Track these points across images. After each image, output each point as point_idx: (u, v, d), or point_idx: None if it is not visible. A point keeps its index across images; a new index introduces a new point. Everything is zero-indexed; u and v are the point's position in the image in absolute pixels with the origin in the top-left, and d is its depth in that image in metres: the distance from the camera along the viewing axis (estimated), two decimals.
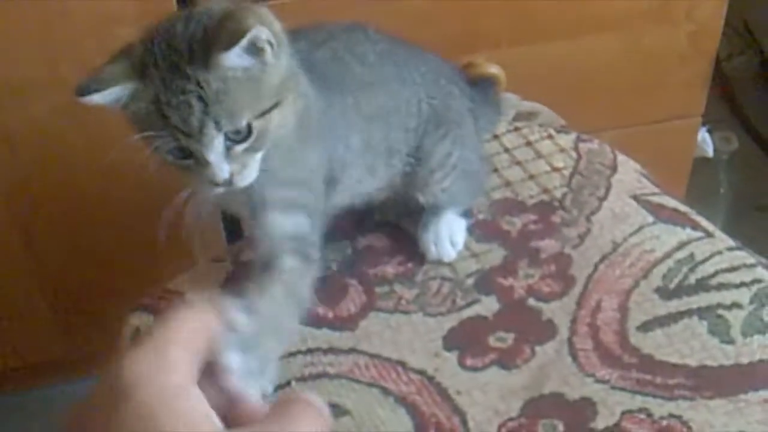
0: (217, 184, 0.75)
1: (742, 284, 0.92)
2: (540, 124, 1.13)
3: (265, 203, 0.82)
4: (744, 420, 0.82)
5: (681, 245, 0.96)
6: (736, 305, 0.90)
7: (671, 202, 1.01)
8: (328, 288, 0.91)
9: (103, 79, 0.73)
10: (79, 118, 1.15)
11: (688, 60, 1.44)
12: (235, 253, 0.99)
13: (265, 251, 0.83)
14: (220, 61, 0.71)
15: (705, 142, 1.67)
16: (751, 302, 0.90)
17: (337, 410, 0.85)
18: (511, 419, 0.84)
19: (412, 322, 0.92)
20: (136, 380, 0.46)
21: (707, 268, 0.94)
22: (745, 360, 0.86)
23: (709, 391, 0.84)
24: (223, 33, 0.71)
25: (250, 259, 0.95)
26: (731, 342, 0.87)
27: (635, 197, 1.01)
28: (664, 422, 0.82)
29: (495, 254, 0.97)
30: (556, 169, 1.05)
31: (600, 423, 0.83)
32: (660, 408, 0.83)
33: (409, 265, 0.97)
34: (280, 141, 0.78)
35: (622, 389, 0.85)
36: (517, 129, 1.11)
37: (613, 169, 1.05)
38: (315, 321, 0.91)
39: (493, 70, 1.11)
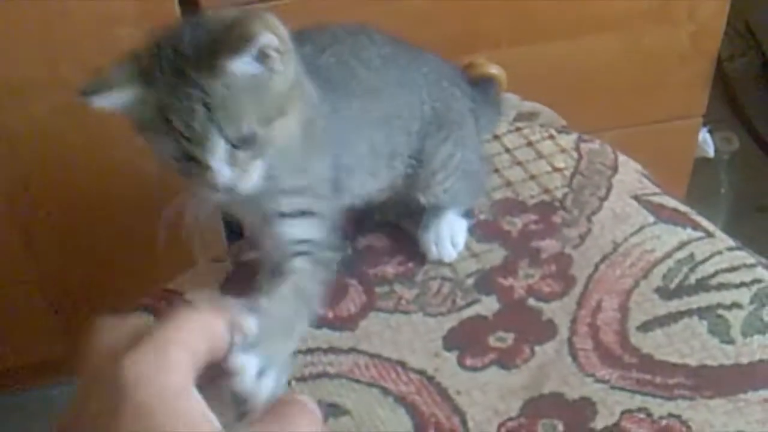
0: (218, 189, 0.75)
1: (742, 284, 0.92)
2: (541, 124, 1.12)
3: (274, 212, 0.82)
4: (744, 420, 0.82)
5: (681, 245, 0.96)
6: (736, 305, 0.90)
7: (672, 202, 1.01)
8: (328, 288, 0.90)
9: (108, 81, 0.73)
10: (79, 117, 1.15)
11: (690, 60, 1.44)
12: (235, 253, 0.99)
13: (275, 255, 0.84)
14: (226, 67, 0.71)
15: (706, 142, 1.67)
16: (751, 302, 0.90)
17: (337, 410, 0.85)
18: (510, 419, 0.84)
19: (412, 322, 0.92)
20: (136, 380, 0.46)
21: (707, 268, 0.94)
22: (745, 360, 0.86)
23: (708, 390, 0.84)
24: (231, 39, 0.71)
25: (250, 259, 0.95)
26: (731, 342, 0.87)
27: (636, 197, 1.01)
28: (664, 422, 0.82)
29: (495, 254, 0.97)
30: (557, 170, 1.05)
31: (599, 423, 0.83)
32: (660, 408, 0.83)
33: (409, 265, 0.97)
34: (287, 150, 0.78)
35: (622, 389, 0.85)
36: (518, 129, 1.11)
37: (614, 169, 1.05)
38: (315, 321, 0.91)
39: (494, 70, 1.12)
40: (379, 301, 0.94)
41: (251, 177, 0.76)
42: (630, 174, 1.05)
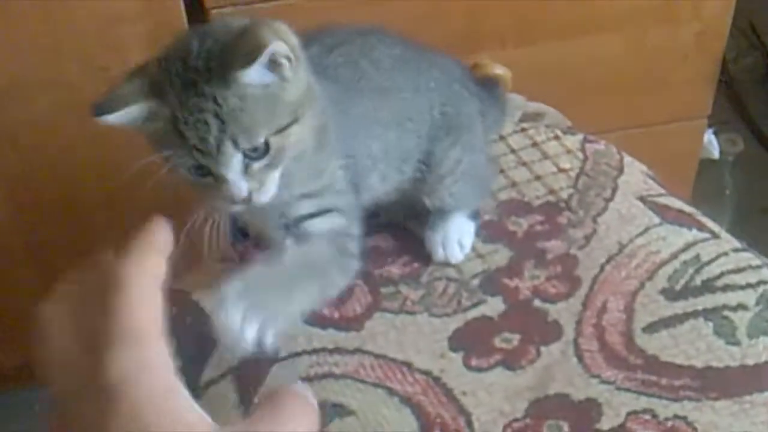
0: (235, 202, 0.75)
1: (748, 285, 0.92)
2: (546, 125, 1.12)
3: (294, 216, 0.83)
4: (749, 421, 0.82)
5: (687, 246, 0.96)
6: (741, 306, 0.90)
7: (677, 204, 1.01)
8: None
9: (119, 98, 0.72)
10: (82, 115, 1.15)
11: (694, 60, 1.44)
12: (240, 253, 0.99)
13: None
14: (239, 78, 0.71)
15: (711, 143, 1.67)
16: (757, 303, 0.90)
17: (343, 410, 0.85)
18: (516, 420, 0.84)
19: (418, 322, 0.92)
20: (122, 381, 0.45)
21: (713, 270, 0.93)
22: (750, 361, 0.86)
23: (714, 392, 0.84)
24: (242, 49, 0.71)
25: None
26: (737, 343, 0.87)
27: (641, 198, 1.01)
28: (670, 423, 0.82)
29: (501, 255, 0.97)
30: (562, 170, 1.05)
31: (605, 424, 0.82)
32: (665, 409, 0.83)
33: (415, 265, 0.97)
34: (301, 156, 0.78)
35: (628, 390, 0.85)
36: (523, 130, 1.10)
37: (620, 170, 1.05)
38: (320, 321, 0.91)
39: (499, 70, 1.11)
40: (384, 301, 0.94)
41: (268, 188, 0.75)
42: (635, 175, 1.05)
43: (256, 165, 0.74)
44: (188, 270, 0.97)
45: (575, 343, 0.89)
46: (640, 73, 1.44)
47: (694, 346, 0.87)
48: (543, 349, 0.89)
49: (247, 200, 0.75)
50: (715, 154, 1.68)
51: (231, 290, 0.73)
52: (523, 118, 1.14)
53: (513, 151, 1.08)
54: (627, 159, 1.07)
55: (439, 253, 0.96)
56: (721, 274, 0.93)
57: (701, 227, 0.98)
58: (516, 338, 0.90)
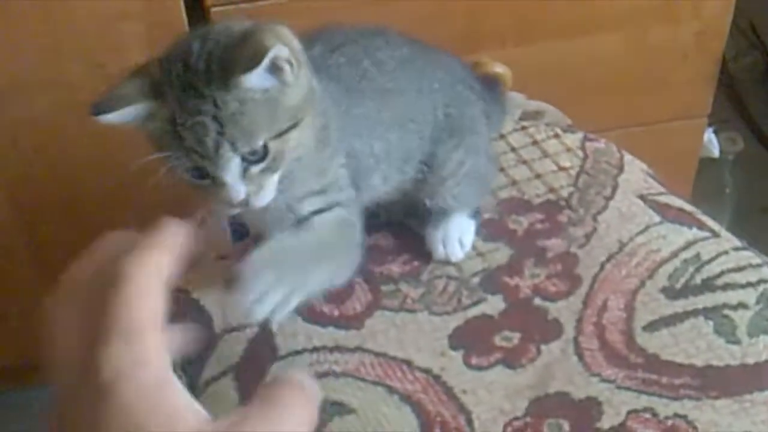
0: (233, 205, 0.75)
1: (749, 284, 0.92)
2: (546, 123, 1.12)
3: (296, 215, 0.82)
4: (749, 420, 0.82)
5: (687, 245, 0.96)
6: (742, 305, 0.90)
7: (678, 202, 1.01)
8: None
9: (119, 97, 0.72)
10: (82, 115, 1.15)
11: (694, 60, 1.44)
12: (241, 251, 0.99)
13: None
14: (240, 82, 0.70)
15: (711, 142, 1.67)
16: (758, 302, 0.90)
17: (343, 408, 0.85)
18: (516, 418, 0.84)
19: (418, 320, 0.92)
20: (114, 377, 0.45)
21: (713, 268, 0.93)
22: (751, 360, 0.86)
23: (714, 391, 0.84)
24: (244, 53, 0.70)
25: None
26: (737, 342, 0.87)
27: (642, 197, 1.01)
28: (670, 422, 0.82)
29: (501, 253, 0.97)
30: (562, 169, 1.05)
31: (605, 423, 0.82)
32: (665, 408, 0.83)
33: (415, 263, 0.97)
34: (302, 160, 0.77)
35: (628, 389, 0.85)
36: (523, 128, 1.10)
37: (620, 168, 1.05)
38: (320, 319, 0.91)
39: (499, 69, 1.11)
40: (384, 299, 0.94)
41: (266, 192, 0.75)
42: (636, 173, 1.05)
43: (255, 169, 0.73)
44: (188, 268, 0.96)
45: (575, 342, 0.89)
46: (640, 73, 1.44)
47: (694, 344, 0.87)
48: (543, 347, 0.89)
49: (245, 203, 0.75)
50: (715, 152, 1.68)
51: (258, 257, 0.75)
52: (524, 116, 1.14)
53: (513, 149, 1.08)
54: (627, 157, 1.07)
55: (439, 252, 0.96)
56: (722, 273, 0.93)
57: (701, 226, 0.98)
58: (516, 337, 0.90)
